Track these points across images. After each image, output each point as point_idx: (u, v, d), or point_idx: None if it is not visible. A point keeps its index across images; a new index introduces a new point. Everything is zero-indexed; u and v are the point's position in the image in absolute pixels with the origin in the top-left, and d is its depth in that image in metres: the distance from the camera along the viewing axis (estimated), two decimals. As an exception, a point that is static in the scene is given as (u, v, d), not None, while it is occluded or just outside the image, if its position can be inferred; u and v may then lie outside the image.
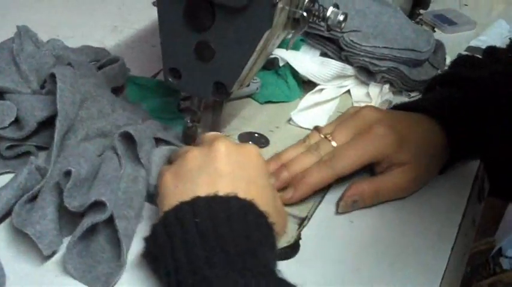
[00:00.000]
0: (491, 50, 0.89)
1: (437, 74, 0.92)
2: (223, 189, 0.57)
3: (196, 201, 0.56)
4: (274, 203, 0.62)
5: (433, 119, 0.74)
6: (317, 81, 0.90)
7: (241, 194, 0.57)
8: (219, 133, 0.69)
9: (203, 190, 0.57)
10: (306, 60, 0.90)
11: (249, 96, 0.88)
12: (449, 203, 0.72)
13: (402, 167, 0.71)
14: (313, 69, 0.89)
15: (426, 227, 0.69)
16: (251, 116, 0.85)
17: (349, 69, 0.91)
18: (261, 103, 0.88)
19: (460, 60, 0.89)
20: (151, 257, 0.58)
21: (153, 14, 0.67)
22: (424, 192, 0.73)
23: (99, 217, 0.59)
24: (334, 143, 0.71)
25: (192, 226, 0.54)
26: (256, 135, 0.82)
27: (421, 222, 0.69)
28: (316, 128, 0.75)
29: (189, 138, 0.75)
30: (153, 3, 0.67)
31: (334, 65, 0.90)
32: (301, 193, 0.69)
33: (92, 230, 0.60)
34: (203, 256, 0.52)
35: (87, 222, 0.59)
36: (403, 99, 0.91)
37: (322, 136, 0.73)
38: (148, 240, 0.58)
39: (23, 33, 0.80)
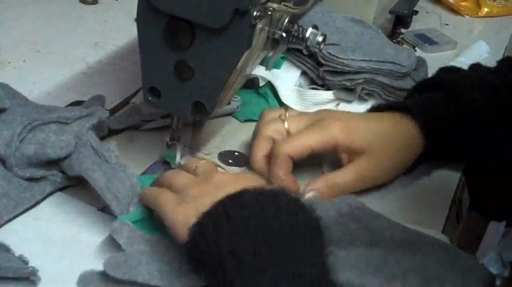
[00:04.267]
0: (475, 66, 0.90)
1: (417, 82, 0.92)
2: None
3: (243, 194, 0.55)
4: None
5: (405, 114, 0.76)
6: (297, 109, 0.90)
7: None
8: (212, 165, 0.70)
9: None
10: (285, 86, 0.91)
11: (230, 114, 0.88)
12: (427, 226, 0.72)
13: (361, 155, 0.72)
14: (292, 98, 0.90)
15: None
16: (231, 134, 0.85)
17: (325, 95, 0.91)
18: (241, 121, 0.88)
19: (440, 69, 0.91)
20: (195, 248, 0.55)
21: (134, 30, 0.67)
22: (402, 214, 0.73)
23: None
24: (286, 125, 0.74)
25: (240, 219, 0.53)
26: (236, 153, 0.81)
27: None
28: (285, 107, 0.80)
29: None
30: (135, 20, 0.67)
31: (309, 95, 0.91)
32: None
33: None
34: (251, 251, 0.51)
35: None
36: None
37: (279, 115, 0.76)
38: (192, 232, 0.55)
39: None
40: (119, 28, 1.09)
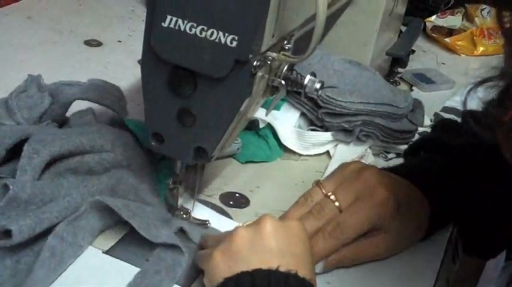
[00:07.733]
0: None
1: (420, 138, 0.93)
2: (275, 266, 0.59)
3: (256, 272, 0.58)
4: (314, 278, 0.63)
5: (420, 189, 0.76)
6: (296, 151, 0.93)
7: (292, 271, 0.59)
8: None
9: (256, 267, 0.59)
10: (284, 127, 0.93)
11: (231, 156, 0.90)
12: (423, 266, 0.74)
13: (384, 234, 0.73)
14: (291, 139, 0.93)
15: (401, 288, 0.70)
16: (232, 175, 0.87)
17: (323, 136, 0.93)
18: (242, 163, 0.90)
19: (441, 124, 0.93)
20: None
21: (137, 71, 0.69)
22: (399, 254, 0.75)
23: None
24: (337, 204, 0.72)
25: None
26: (237, 195, 0.83)
27: (397, 283, 0.71)
28: (318, 184, 0.75)
29: (172, 199, 0.76)
30: (139, 62, 0.69)
31: (308, 136, 0.93)
32: None
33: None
34: None
35: None
36: (379, 161, 0.93)
37: (325, 193, 0.74)
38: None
39: (31, 79, 0.88)
40: (122, 69, 1.11)
